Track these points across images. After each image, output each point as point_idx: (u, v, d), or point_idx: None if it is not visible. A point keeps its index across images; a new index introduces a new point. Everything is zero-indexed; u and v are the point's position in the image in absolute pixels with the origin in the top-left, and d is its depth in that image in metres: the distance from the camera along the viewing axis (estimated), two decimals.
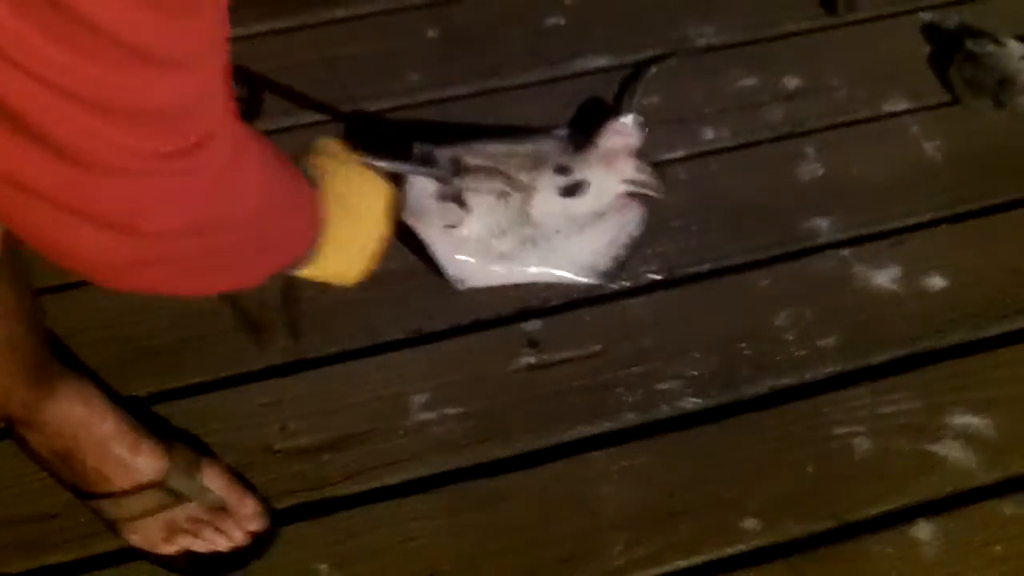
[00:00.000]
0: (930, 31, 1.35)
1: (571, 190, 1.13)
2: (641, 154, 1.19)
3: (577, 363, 1.08)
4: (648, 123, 1.21)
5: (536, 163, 1.15)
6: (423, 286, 1.12)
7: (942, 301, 1.13)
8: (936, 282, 1.14)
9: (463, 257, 1.10)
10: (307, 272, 0.88)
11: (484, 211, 1.10)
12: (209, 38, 0.53)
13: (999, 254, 1.17)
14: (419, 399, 1.05)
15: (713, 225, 1.17)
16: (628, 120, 1.20)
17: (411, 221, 1.08)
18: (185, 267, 0.66)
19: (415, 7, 1.38)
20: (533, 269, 1.12)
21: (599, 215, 1.14)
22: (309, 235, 0.84)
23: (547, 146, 1.19)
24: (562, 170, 1.14)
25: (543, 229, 1.12)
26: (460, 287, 1.10)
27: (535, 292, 1.12)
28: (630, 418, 1.05)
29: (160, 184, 0.56)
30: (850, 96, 1.29)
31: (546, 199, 1.13)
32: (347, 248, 0.91)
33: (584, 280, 1.12)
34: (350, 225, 0.91)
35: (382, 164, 0.99)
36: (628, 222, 1.15)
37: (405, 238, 1.09)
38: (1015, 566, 0.96)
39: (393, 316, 1.11)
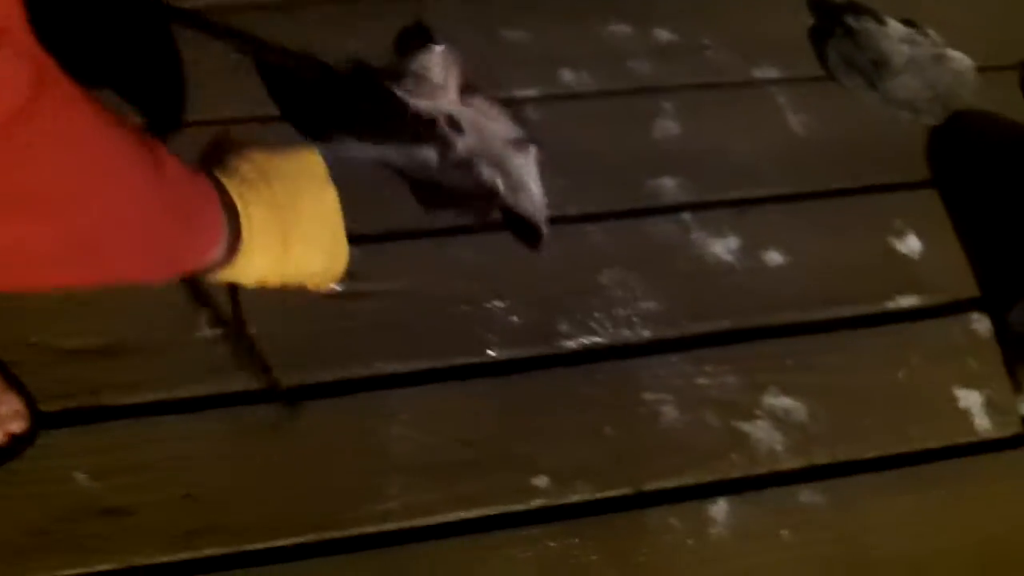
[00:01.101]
0: (816, 2, 1.32)
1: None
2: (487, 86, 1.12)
3: (389, 297, 1.03)
4: (507, 58, 1.15)
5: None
6: None
7: (776, 279, 1.10)
8: (773, 258, 1.11)
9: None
10: (251, 274, 0.79)
11: None
12: None
13: (842, 239, 1.14)
14: (205, 316, 0.98)
15: (555, 172, 1.12)
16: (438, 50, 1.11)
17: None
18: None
19: None
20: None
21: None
22: (211, 234, 0.74)
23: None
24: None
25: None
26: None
27: (353, 216, 1.06)
28: (433, 361, 1.00)
29: None
30: (721, 58, 1.25)
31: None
32: (274, 244, 0.81)
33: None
34: (274, 216, 0.80)
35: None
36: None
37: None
38: (798, 553, 0.94)
39: None
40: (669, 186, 1.14)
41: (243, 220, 0.75)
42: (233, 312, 0.94)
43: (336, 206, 0.86)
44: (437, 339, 1.01)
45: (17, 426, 0.91)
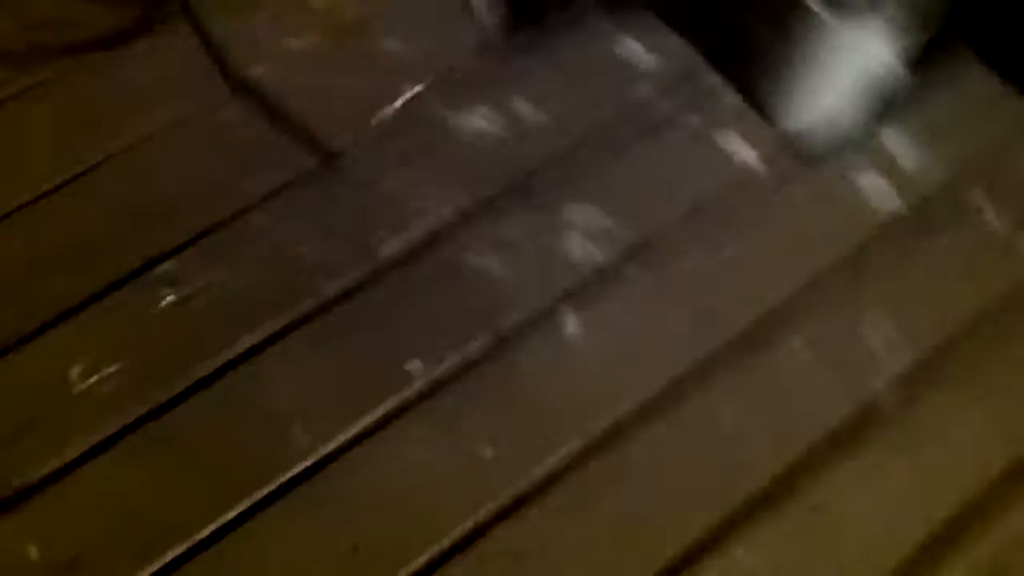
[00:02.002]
0: None
1: None
2: None
3: (216, 287, 1.14)
4: None
5: None
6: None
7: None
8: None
9: None
10: None
11: None
12: None
13: None
14: (76, 370, 1.08)
15: None
16: None
17: None
18: None
19: None
20: None
21: None
22: None
23: None
24: None
25: None
26: None
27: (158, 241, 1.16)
28: (281, 319, 1.11)
29: None
30: None
31: None
32: None
33: None
34: None
35: None
36: None
37: None
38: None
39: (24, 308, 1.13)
40: None
41: None
42: None
43: None
44: (272, 301, 1.13)
45: None
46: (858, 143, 1.19)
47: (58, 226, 1.19)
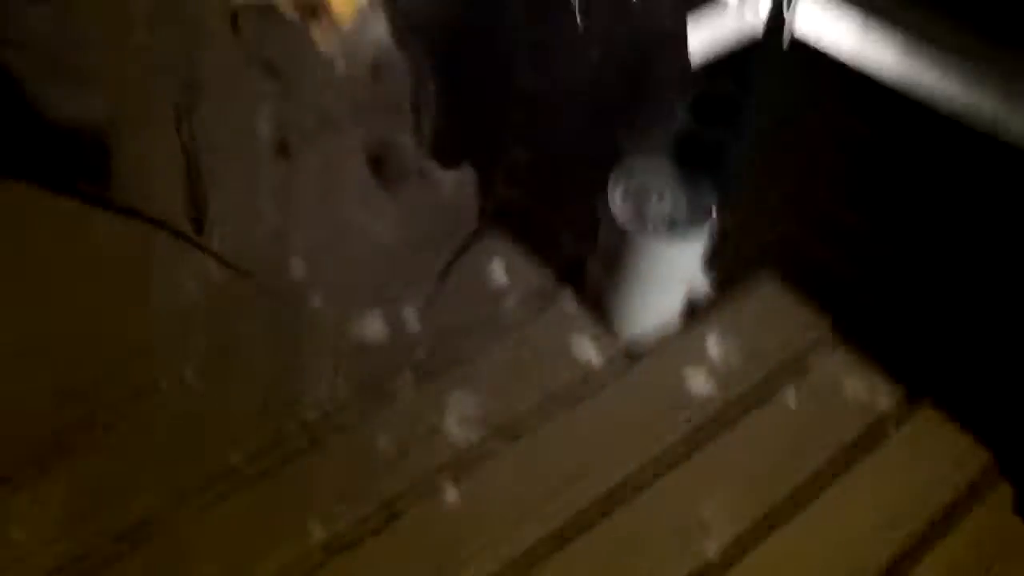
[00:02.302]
0: None
1: None
2: None
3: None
4: None
5: None
6: None
7: None
8: None
9: None
10: None
11: None
12: None
13: None
14: None
15: None
16: None
17: None
18: None
19: None
20: None
21: None
22: None
23: None
24: None
25: None
26: None
27: None
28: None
29: None
30: None
31: None
32: None
33: None
34: None
35: None
36: None
37: None
38: None
39: None
40: None
41: None
42: None
43: None
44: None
45: None
46: (680, 343, 1.49)
47: None
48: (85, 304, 1.48)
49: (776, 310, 1.56)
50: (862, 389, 1.45)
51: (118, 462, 1.32)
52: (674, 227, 1.42)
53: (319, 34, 1.07)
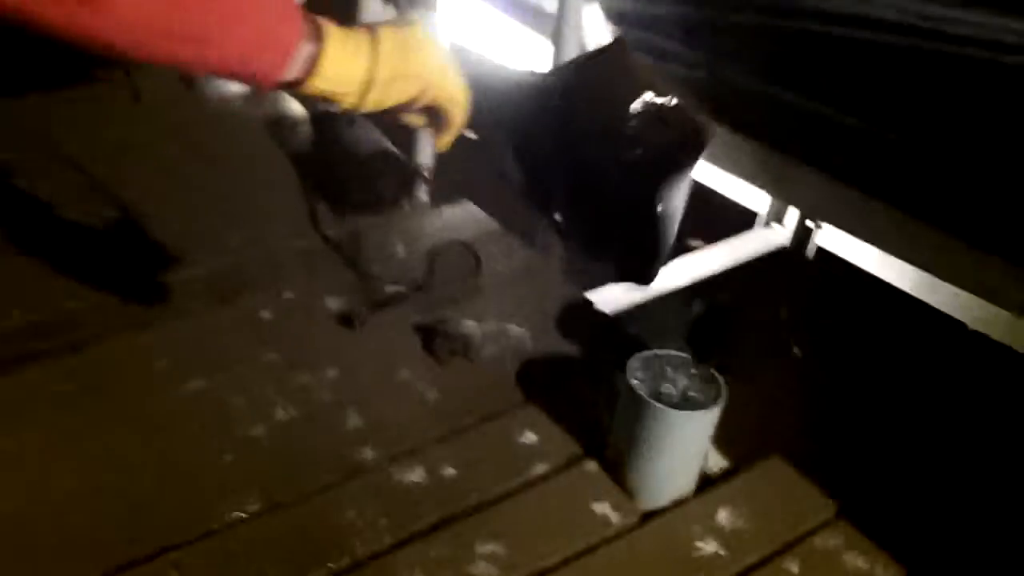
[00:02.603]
0: None
1: None
2: None
3: None
4: None
5: None
6: None
7: None
8: None
9: None
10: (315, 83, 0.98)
11: None
12: None
13: None
14: None
15: None
16: None
17: None
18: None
19: None
20: None
21: None
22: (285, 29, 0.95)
23: None
24: None
25: None
26: None
27: None
28: None
29: None
30: None
31: None
32: (362, 42, 0.99)
33: None
34: (352, 37, 0.99)
35: None
36: None
37: None
38: None
39: None
40: None
41: (320, 23, 0.97)
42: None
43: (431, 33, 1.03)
44: None
45: None
46: (692, 510, 1.63)
47: None
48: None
49: (786, 487, 1.70)
50: (862, 563, 1.57)
51: None
52: (687, 404, 1.59)
53: (439, 140, 1.16)
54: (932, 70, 1.92)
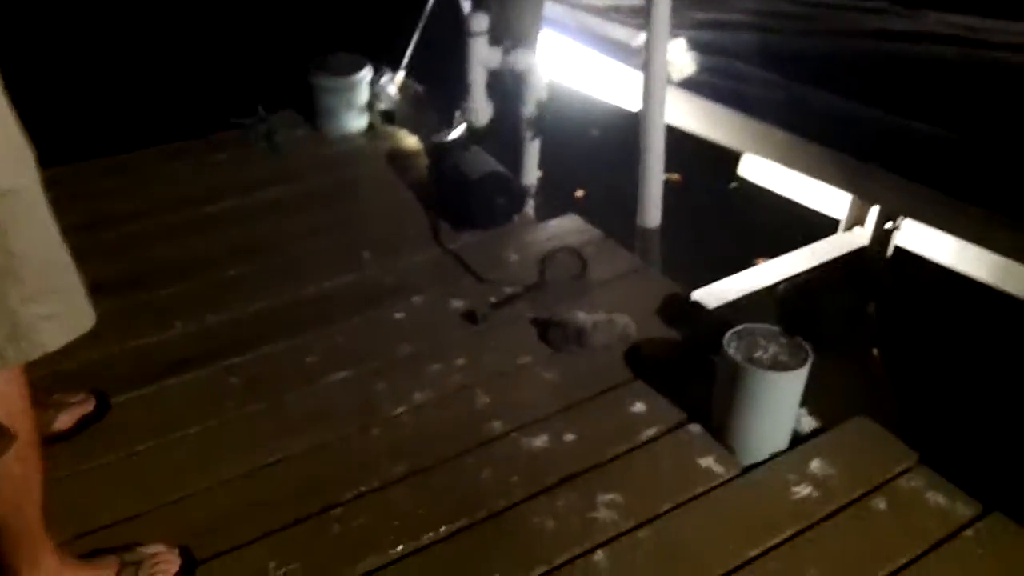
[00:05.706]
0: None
1: None
2: None
3: None
4: None
5: None
6: None
7: None
8: None
9: None
10: None
11: None
12: None
13: None
14: None
15: None
16: None
17: None
18: None
19: None
20: None
21: None
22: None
23: None
24: None
25: None
26: None
27: None
28: None
29: None
30: None
31: None
32: None
33: None
34: None
35: None
36: None
37: None
38: None
39: None
40: None
41: None
42: None
43: None
44: None
45: None
46: (785, 459, 1.83)
47: None
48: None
49: (871, 441, 1.89)
50: (943, 500, 1.75)
51: None
52: (778, 366, 1.81)
53: None
54: (982, 74, 2.12)
